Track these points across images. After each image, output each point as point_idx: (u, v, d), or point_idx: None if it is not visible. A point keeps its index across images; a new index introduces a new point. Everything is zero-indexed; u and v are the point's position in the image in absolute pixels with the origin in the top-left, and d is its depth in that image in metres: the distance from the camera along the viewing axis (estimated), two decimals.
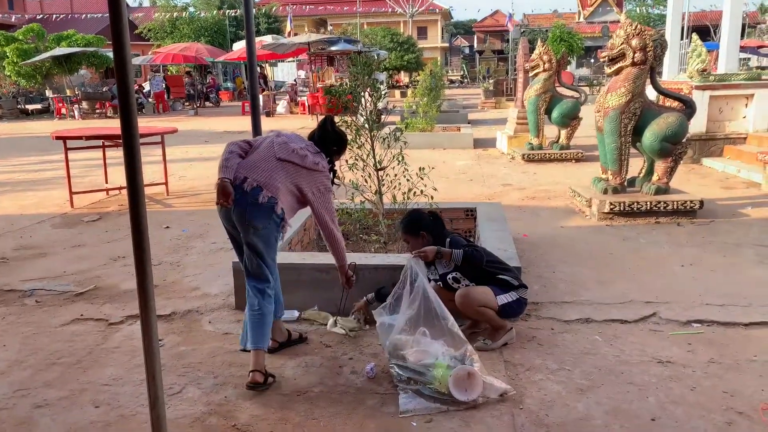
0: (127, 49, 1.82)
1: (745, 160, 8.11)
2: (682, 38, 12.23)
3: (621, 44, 5.72)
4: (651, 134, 5.71)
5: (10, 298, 4.22)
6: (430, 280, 3.27)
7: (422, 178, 4.45)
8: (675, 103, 6.51)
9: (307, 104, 18.91)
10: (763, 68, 21.11)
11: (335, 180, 3.33)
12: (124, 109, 1.84)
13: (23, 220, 6.50)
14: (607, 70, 6.00)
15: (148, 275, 1.95)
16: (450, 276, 3.27)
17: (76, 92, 23.39)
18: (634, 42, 5.64)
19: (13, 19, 34.75)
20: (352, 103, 4.69)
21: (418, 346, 2.90)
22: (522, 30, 32.43)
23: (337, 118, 4.79)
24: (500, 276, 3.28)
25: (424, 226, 3.31)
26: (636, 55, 5.63)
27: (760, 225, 5.56)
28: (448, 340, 2.90)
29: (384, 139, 4.55)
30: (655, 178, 5.97)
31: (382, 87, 4.64)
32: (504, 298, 3.24)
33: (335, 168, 3.32)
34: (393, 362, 2.94)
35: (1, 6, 36.59)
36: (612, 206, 5.75)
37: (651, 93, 6.23)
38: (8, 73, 24.95)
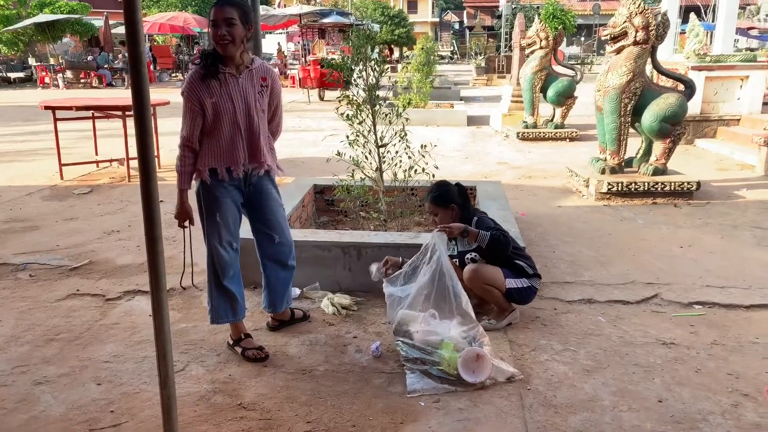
0: (138, 17, 1.73)
1: (739, 142, 8.14)
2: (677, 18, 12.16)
3: (623, 23, 5.65)
4: (651, 114, 5.69)
5: (3, 272, 4.13)
6: (450, 257, 3.21)
7: (424, 156, 4.40)
8: (670, 83, 6.50)
9: (298, 77, 18.62)
10: (751, 50, 21.14)
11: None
12: (136, 80, 1.76)
13: (11, 191, 6.36)
14: (609, 49, 5.94)
15: (160, 252, 1.89)
16: (468, 256, 3.22)
17: (60, 61, 22.85)
18: (637, 20, 5.58)
19: None
20: (352, 78, 4.58)
21: (427, 326, 2.87)
22: (513, 6, 32.10)
23: (337, 93, 4.70)
24: (517, 261, 3.24)
25: (454, 199, 3.23)
26: (638, 34, 5.57)
27: (755, 207, 5.59)
28: (459, 320, 2.87)
29: (386, 116, 4.48)
30: (653, 158, 5.97)
31: (373, 64, 4.54)
32: (513, 283, 3.21)
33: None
34: (399, 339, 2.92)
35: None
36: (610, 186, 5.74)
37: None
38: None
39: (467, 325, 2.86)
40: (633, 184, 5.73)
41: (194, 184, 2.96)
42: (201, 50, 3.38)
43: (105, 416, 2.51)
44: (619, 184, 5.74)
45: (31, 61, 24.54)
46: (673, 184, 5.72)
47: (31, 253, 4.46)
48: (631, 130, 5.96)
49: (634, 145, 6.28)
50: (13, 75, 23.79)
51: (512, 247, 3.22)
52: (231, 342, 3.06)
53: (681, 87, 5.97)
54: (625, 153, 5.95)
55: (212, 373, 2.83)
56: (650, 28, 5.56)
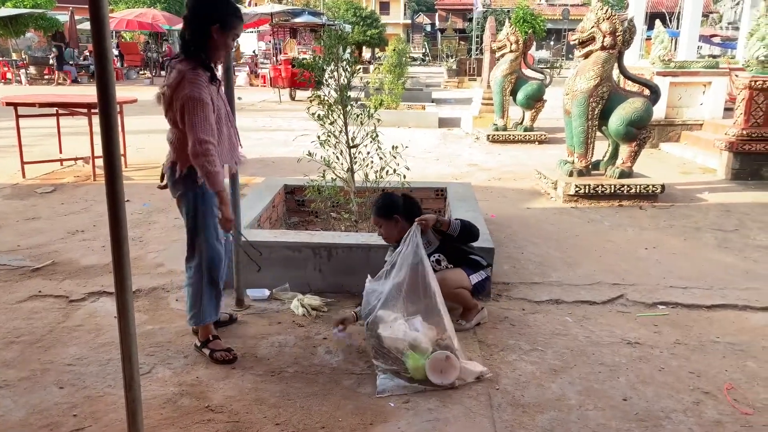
0: (104, 13, 1.70)
1: (702, 147, 8.36)
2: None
3: (591, 28, 5.76)
4: (617, 118, 5.80)
5: None
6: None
7: (395, 157, 4.41)
8: (636, 87, 6.64)
9: (269, 77, 18.48)
10: (714, 56, 21.75)
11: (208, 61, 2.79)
12: (101, 77, 1.73)
13: None
14: (577, 53, 6.04)
15: (125, 253, 1.85)
16: (433, 257, 3.24)
17: (23, 56, 22.26)
18: (604, 26, 5.69)
19: None
20: (323, 78, 4.56)
21: (394, 333, 2.84)
22: (485, 10, 32.44)
23: (308, 93, 4.67)
24: (472, 256, 3.32)
25: (398, 210, 3.22)
26: (606, 39, 5.68)
27: (716, 210, 5.75)
28: (429, 318, 2.87)
29: (357, 116, 4.47)
30: (619, 161, 6.09)
31: (345, 64, 4.54)
32: (475, 278, 3.28)
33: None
34: (369, 342, 2.91)
35: None
36: (577, 189, 5.84)
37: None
38: None
39: (437, 324, 2.86)
40: (600, 187, 5.84)
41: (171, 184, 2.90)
42: (176, 51, 3.35)
43: (67, 420, 2.45)
44: (586, 187, 5.84)
45: None
46: (638, 186, 5.84)
47: None
48: (599, 134, 6.07)
49: (602, 148, 6.40)
50: None
51: (466, 245, 3.31)
52: (198, 344, 3.01)
53: (647, 92, 6.11)
54: (592, 156, 6.06)
55: (179, 376, 2.79)
56: (617, 34, 5.68)
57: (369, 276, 3.12)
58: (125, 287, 1.89)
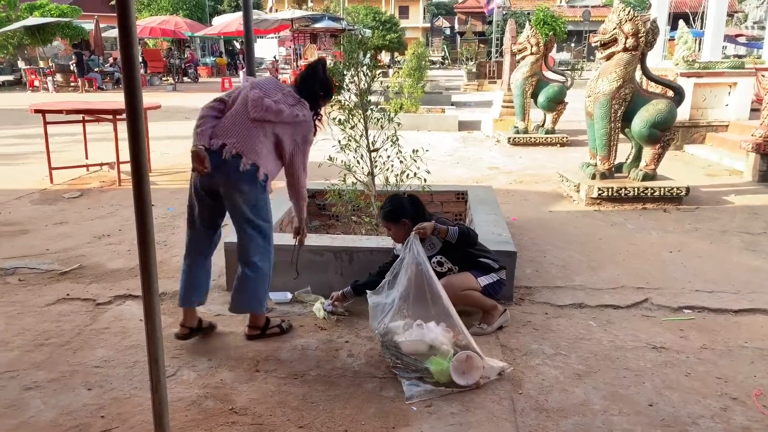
0: (132, 21, 1.73)
1: (728, 148, 8.22)
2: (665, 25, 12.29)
3: (613, 29, 5.70)
4: (640, 120, 5.73)
5: None
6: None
7: (415, 161, 4.41)
8: (660, 89, 6.57)
9: (289, 82, 18.61)
10: (739, 56, 21.39)
11: (319, 125, 3.24)
12: (129, 84, 1.76)
13: (0, 195, 6.31)
14: (599, 55, 5.99)
15: (152, 256, 1.89)
16: (434, 259, 3.24)
17: (50, 64, 22.73)
18: (627, 27, 5.63)
19: None
20: (344, 83, 4.59)
21: (411, 337, 2.85)
22: (504, 12, 32.30)
23: None
24: (482, 259, 3.29)
25: (405, 213, 3.24)
26: (628, 40, 5.62)
27: (743, 212, 5.65)
28: (442, 324, 2.87)
29: (378, 120, 4.49)
30: (642, 164, 6.01)
31: (366, 69, 4.56)
32: (485, 280, 3.26)
33: (320, 114, 3.25)
34: (388, 353, 2.91)
35: None
36: (600, 191, 5.78)
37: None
38: None
39: (450, 326, 2.85)
40: (623, 190, 5.78)
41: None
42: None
43: (95, 422, 2.49)
44: (610, 190, 5.78)
45: (21, 64, 24.37)
46: (662, 189, 5.77)
47: (20, 258, 4.43)
48: (622, 136, 6.01)
49: (625, 151, 6.33)
50: (2, 78, 23.60)
51: (476, 247, 3.29)
52: (258, 332, 3.18)
53: (670, 93, 6.04)
54: (615, 158, 6.00)
55: (204, 378, 2.82)
56: (640, 35, 5.62)
57: (368, 291, 3.15)
58: (152, 290, 1.92)
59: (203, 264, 3.18)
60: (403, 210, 3.24)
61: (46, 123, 6.76)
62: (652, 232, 5.07)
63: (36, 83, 21.75)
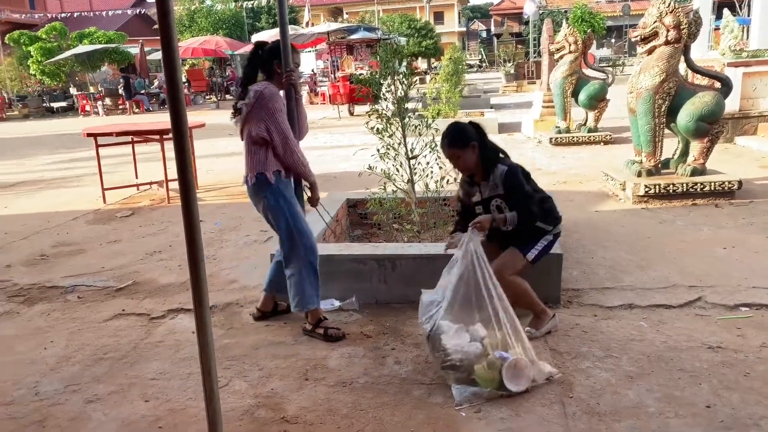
0: (174, 45, 1.80)
1: None
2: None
3: (654, 23, 5.58)
4: (686, 114, 5.58)
5: (53, 294, 4.29)
6: (474, 204, 3.18)
7: None
8: (705, 80, 6.37)
9: (327, 94, 18.86)
10: None
11: (293, 80, 3.33)
12: (173, 104, 1.83)
13: (58, 217, 6.60)
14: (640, 50, 5.86)
15: (202, 271, 1.94)
16: (494, 202, 3.09)
17: (99, 89, 23.66)
18: (668, 20, 5.50)
19: (36, 18, 35.20)
20: (380, 92, 4.63)
21: (458, 340, 2.81)
22: (541, 12, 31.90)
23: (366, 108, 4.77)
24: (538, 224, 3.11)
25: (473, 137, 3.06)
26: (670, 33, 5.49)
27: None
28: (493, 322, 2.79)
29: (415, 127, 4.51)
30: (690, 159, 5.85)
31: (401, 77, 4.59)
32: (534, 251, 3.13)
33: (290, 69, 3.30)
34: (435, 355, 2.88)
35: (22, 6, 37.05)
36: (647, 189, 5.64)
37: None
38: (33, 72, 25.40)
39: (501, 329, 2.78)
40: (671, 186, 5.62)
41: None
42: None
43: None
44: (657, 187, 5.63)
45: (72, 90, 25.46)
46: (713, 184, 5.59)
47: (78, 276, 4.62)
48: (668, 131, 5.86)
49: (671, 146, 6.16)
50: (55, 105, 24.69)
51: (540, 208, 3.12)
52: (309, 327, 3.33)
53: (717, 85, 5.85)
54: (661, 154, 5.85)
55: (255, 388, 2.88)
56: (682, 27, 5.48)
57: (422, 290, 3.08)
58: (203, 303, 1.98)
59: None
60: (469, 133, 3.09)
61: (97, 146, 7.04)
62: (704, 228, 4.92)
63: (87, 108, 22.67)
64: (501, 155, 3.18)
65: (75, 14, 33.09)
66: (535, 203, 3.10)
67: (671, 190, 5.63)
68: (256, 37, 25.48)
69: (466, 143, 3.07)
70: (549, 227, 3.17)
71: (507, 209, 3.08)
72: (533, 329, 3.20)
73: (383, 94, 4.64)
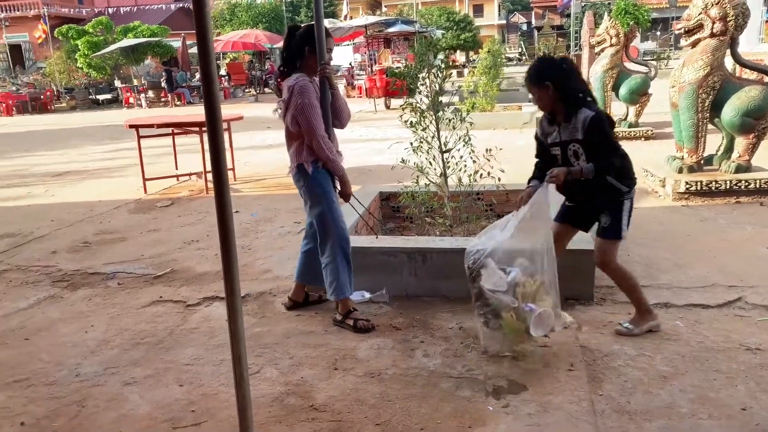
0: (209, 37, 1.84)
1: None
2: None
3: (699, 14, 5.42)
4: (732, 109, 5.41)
5: (95, 280, 4.44)
6: (551, 144, 3.07)
7: (488, 160, 4.38)
8: (754, 75, 6.15)
9: (364, 87, 18.91)
10: None
11: (326, 73, 3.31)
12: (208, 97, 1.88)
13: (101, 206, 6.82)
14: (684, 43, 5.70)
15: (234, 260, 1.99)
16: (571, 147, 2.96)
17: (143, 82, 24.25)
18: (713, 11, 5.33)
19: (83, 13, 36.25)
20: (416, 85, 4.62)
21: (495, 283, 2.89)
22: (583, 4, 31.25)
23: (400, 101, 4.77)
24: (611, 179, 2.95)
25: (548, 75, 2.91)
26: (715, 25, 5.33)
27: None
28: (531, 271, 2.91)
29: (449, 121, 4.49)
30: (735, 155, 5.67)
31: (437, 70, 4.57)
32: (616, 227, 3.03)
33: (324, 63, 3.29)
34: (473, 290, 2.98)
35: (71, 1, 38.22)
36: (688, 186, 5.50)
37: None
38: (80, 65, 26.18)
39: (538, 277, 2.89)
40: (713, 183, 5.47)
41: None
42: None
43: (186, 416, 2.66)
44: (698, 183, 5.48)
45: (117, 83, 26.17)
46: (758, 181, 5.41)
47: (119, 263, 4.77)
48: (711, 127, 5.69)
49: (714, 142, 5.98)
50: (101, 97, 25.42)
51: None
52: (339, 317, 3.38)
53: (766, 79, 5.65)
54: (703, 150, 5.69)
55: (285, 376, 2.94)
56: (728, 19, 5.31)
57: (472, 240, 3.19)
58: (235, 292, 2.02)
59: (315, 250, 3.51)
60: (548, 72, 2.93)
61: (139, 137, 7.23)
62: (747, 227, 4.77)
63: (131, 100, 23.26)
64: (588, 99, 2.96)
65: (120, 9, 33.95)
66: (617, 157, 2.95)
67: (714, 188, 5.47)
68: None
69: (541, 81, 2.93)
70: (623, 188, 3.00)
71: (583, 157, 2.93)
72: (632, 326, 3.11)
73: (418, 88, 4.63)
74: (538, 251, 2.90)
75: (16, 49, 34.93)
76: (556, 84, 2.90)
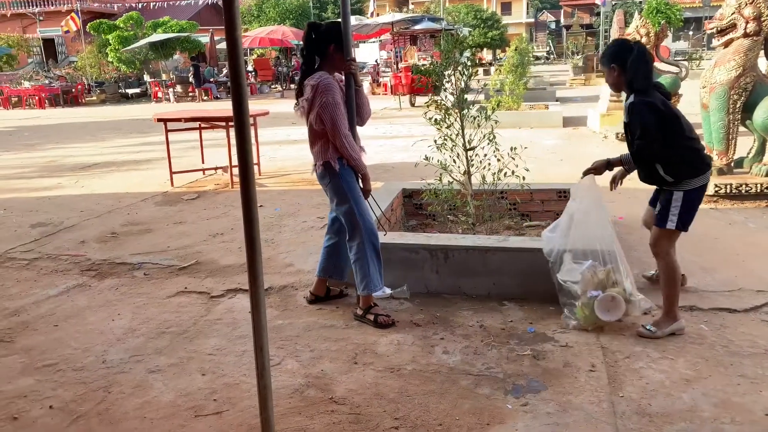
0: (238, 34, 1.87)
1: None
2: None
3: (732, 14, 5.32)
4: (764, 111, 5.29)
5: (122, 270, 4.53)
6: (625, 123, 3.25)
7: (513, 158, 4.36)
8: None
9: (389, 84, 18.91)
10: None
11: (353, 70, 3.34)
12: (235, 93, 1.91)
13: (129, 198, 6.95)
14: (716, 43, 5.60)
15: (258, 253, 2.02)
16: (627, 130, 3.18)
17: (171, 76, 24.59)
18: (747, 11, 5.23)
19: (114, 8, 36.85)
20: (441, 83, 4.62)
21: (570, 275, 3.26)
22: (613, 3, 30.78)
23: (426, 98, 4.77)
24: (658, 166, 3.03)
25: (616, 59, 3.08)
26: (749, 25, 5.22)
27: None
28: (602, 261, 3.24)
29: (474, 119, 4.48)
30: (766, 158, 5.55)
31: (462, 68, 4.55)
32: (671, 222, 3.04)
33: (349, 61, 3.31)
34: (554, 281, 3.34)
35: None
36: (717, 188, 5.40)
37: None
38: (111, 60, 26.65)
39: (608, 266, 3.20)
40: (743, 186, 5.36)
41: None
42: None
43: (209, 404, 2.71)
44: (728, 186, 5.38)
45: (146, 77, 26.58)
46: None
47: (145, 254, 4.87)
48: (742, 129, 5.58)
49: (745, 145, 5.86)
50: (130, 91, 25.84)
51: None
52: (361, 312, 3.41)
53: None
54: (734, 153, 5.58)
55: (306, 368, 2.97)
56: (763, 19, 5.20)
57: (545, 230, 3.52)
58: (258, 284, 2.06)
59: (343, 244, 3.56)
60: (615, 54, 3.11)
61: (167, 131, 7.35)
62: None
63: (159, 94, 23.60)
64: (644, 85, 3.02)
65: (151, 4, 34.44)
66: (654, 146, 2.97)
67: (744, 191, 5.37)
68: None
69: (608, 62, 3.14)
70: (668, 178, 3.03)
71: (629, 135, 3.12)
72: (654, 328, 3.10)
73: (443, 85, 4.63)
74: (603, 241, 3.25)
75: (49, 43, 35.67)
76: (621, 67, 3.08)
